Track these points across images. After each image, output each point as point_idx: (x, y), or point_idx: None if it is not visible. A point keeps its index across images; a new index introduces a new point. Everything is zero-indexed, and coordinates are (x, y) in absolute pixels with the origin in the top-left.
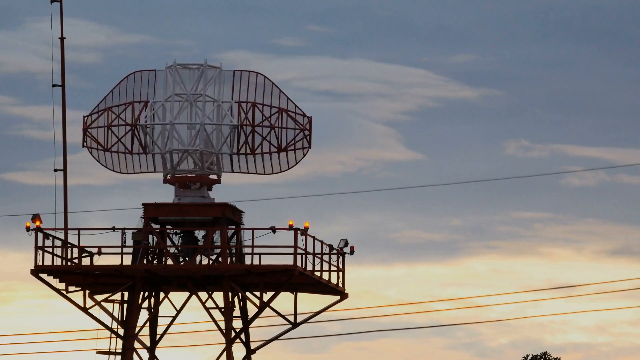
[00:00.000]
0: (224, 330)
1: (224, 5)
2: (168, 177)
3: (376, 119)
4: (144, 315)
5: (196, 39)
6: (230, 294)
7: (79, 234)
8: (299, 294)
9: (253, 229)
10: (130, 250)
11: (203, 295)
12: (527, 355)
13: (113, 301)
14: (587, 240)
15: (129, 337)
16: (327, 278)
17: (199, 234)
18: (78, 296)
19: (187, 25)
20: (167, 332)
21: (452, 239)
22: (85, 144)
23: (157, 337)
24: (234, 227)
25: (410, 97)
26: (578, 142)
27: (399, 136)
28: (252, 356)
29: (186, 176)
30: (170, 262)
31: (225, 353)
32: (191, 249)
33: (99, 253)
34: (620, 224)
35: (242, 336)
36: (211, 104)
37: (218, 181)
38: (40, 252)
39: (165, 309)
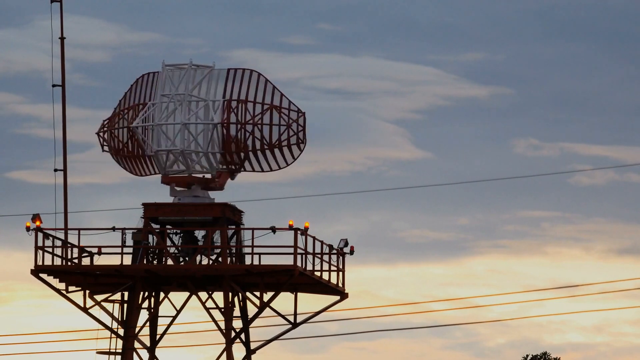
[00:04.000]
0: (224, 330)
1: (233, 3)
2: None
3: (385, 118)
4: (144, 315)
5: (205, 37)
6: (230, 294)
7: (79, 234)
8: (299, 294)
9: (253, 229)
10: (130, 250)
11: (203, 295)
12: (527, 355)
13: (113, 301)
14: (595, 239)
15: (129, 337)
16: (327, 278)
17: (199, 234)
18: (78, 296)
19: (196, 23)
20: (167, 332)
21: (459, 238)
22: (103, 149)
23: (157, 337)
24: (234, 227)
25: (420, 95)
26: (587, 140)
27: (408, 135)
28: (252, 356)
29: (177, 177)
30: (170, 262)
31: (225, 353)
32: (191, 249)
33: (99, 253)
34: (629, 223)
35: (242, 336)
36: (199, 104)
37: (213, 181)
38: (40, 252)
39: (165, 309)
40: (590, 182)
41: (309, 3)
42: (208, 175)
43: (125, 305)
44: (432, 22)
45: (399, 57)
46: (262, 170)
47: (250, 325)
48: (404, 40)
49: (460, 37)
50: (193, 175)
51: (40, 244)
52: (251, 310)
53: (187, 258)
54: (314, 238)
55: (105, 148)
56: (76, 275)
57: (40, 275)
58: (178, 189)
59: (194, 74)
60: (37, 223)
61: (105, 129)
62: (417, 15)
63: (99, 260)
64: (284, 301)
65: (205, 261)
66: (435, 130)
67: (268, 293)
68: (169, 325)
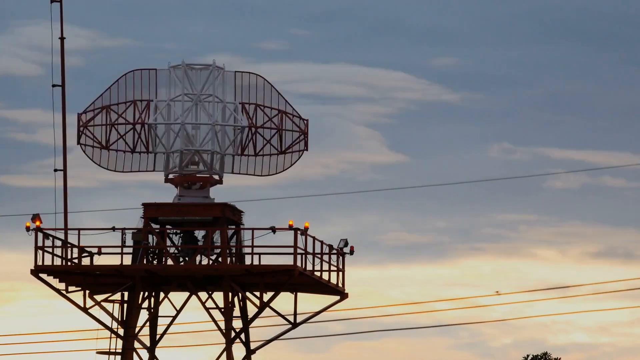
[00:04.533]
0: (224, 330)
1: (208, 8)
2: (170, 177)
3: (359, 122)
4: (144, 315)
5: (180, 42)
6: (230, 294)
7: (79, 234)
8: (299, 294)
9: (253, 229)
10: (130, 250)
11: (203, 295)
12: (528, 356)
13: (113, 301)
14: (571, 242)
15: (129, 337)
16: (327, 278)
17: (199, 234)
18: (78, 296)
19: (171, 28)
20: (167, 332)
21: (437, 241)
22: (80, 142)
23: (157, 337)
24: (234, 227)
25: (392, 101)
26: (561, 144)
27: (382, 138)
28: (252, 356)
29: (191, 176)
30: (170, 262)
31: (225, 353)
32: (191, 249)
33: (99, 253)
34: (605, 226)
35: (242, 336)
36: (216, 105)
37: (220, 182)
38: (40, 252)
39: (165, 309)
40: (564, 185)
41: (283, 9)
42: (216, 176)
43: (125, 305)
44: (405, 29)
45: (372, 63)
46: (262, 174)
47: (250, 325)
48: (377, 45)
49: (433, 43)
50: (207, 175)
51: (40, 244)
52: (251, 310)
53: (187, 258)
54: (314, 238)
55: (84, 141)
56: (76, 275)
57: (40, 275)
58: (185, 188)
59: (209, 74)
60: (37, 223)
61: (89, 122)
62: (390, 22)
63: (99, 260)
64: (284, 301)
65: (205, 261)
66: (410, 134)
67: (268, 293)
68: (169, 325)
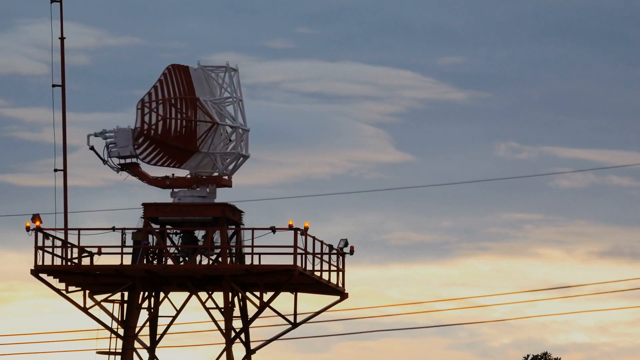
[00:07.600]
0: (224, 330)
1: (214, 7)
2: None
3: (365, 121)
4: (144, 315)
5: (185, 41)
6: (230, 294)
7: (79, 234)
8: (299, 294)
9: (253, 229)
10: (130, 250)
11: (203, 295)
12: (528, 356)
13: (113, 301)
14: (577, 241)
15: (129, 337)
16: (327, 278)
17: (199, 234)
18: (78, 296)
19: (177, 27)
20: (167, 332)
21: (443, 240)
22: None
23: (157, 337)
24: (234, 227)
25: (400, 100)
26: (567, 143)
27: (388, 137)
28: (252, 356)
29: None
30: (170, 262)
31: (225, 353)
32: (191, 249)
33: (99, 253)
34: (611, 226)
35: (242, 336)
36: (236, 106)
37: (229, 184)
38: (40, 252)
39: (165, 309)
40: (571, 185)
41: (289, 7)
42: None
43: (125, 305)
44: (411, 27)
45: (379, 62)
46: None
47: (250, 325)
48: (383, 44)
49: (439, 41)
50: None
51: (40, 244)
52: (251, 310)
53: (187, 258)
54: (314, 238)
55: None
56: (76, 275)
57: (40, 275)
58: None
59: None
60: (37, 223)
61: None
62: (396, 20)
63: (99, 260)
64: (284, 301)
65: (205, 261)
66: (416, 133)
67: (268, 293)
68: (169, 325)
